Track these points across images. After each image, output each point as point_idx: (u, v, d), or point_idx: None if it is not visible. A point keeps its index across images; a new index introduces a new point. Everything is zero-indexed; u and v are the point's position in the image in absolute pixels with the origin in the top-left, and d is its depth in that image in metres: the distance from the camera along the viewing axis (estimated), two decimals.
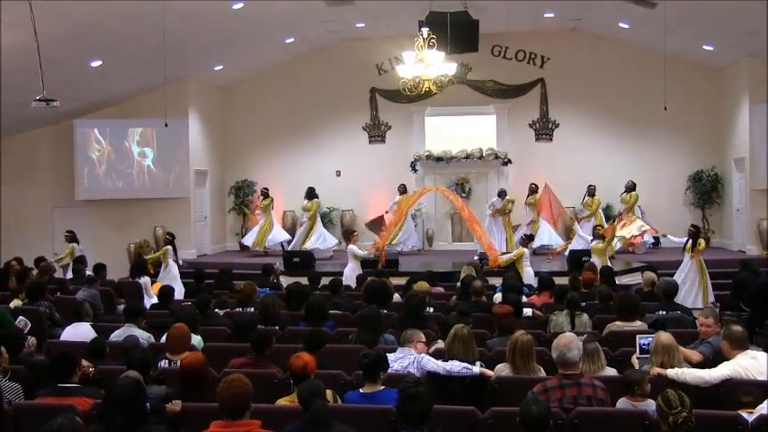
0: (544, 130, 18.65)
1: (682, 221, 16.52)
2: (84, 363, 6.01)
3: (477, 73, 18.35)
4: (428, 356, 6.06)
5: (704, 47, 15.92)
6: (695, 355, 6.21)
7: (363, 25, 16.95)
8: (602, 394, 5.25)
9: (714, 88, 17.66)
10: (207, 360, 5.72)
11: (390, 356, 5.85)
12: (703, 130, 17.78)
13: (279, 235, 17.54)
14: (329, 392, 5.26)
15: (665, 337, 5.89)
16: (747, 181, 16.15)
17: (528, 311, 8.60)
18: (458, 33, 14.40)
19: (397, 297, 9.45)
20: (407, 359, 6.00)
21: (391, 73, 17.38)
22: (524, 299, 9.37)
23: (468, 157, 18.10)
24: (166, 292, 9.87)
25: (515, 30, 17.93)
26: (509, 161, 18.04)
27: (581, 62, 18.16)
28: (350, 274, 12.61)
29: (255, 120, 19.26)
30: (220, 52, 16.54)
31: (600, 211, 16.67)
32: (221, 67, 17.46)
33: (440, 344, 6.68)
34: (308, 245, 16.78)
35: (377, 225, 17.34)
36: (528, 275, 12.05)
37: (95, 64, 14.20)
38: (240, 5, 13.34)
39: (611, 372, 5.98)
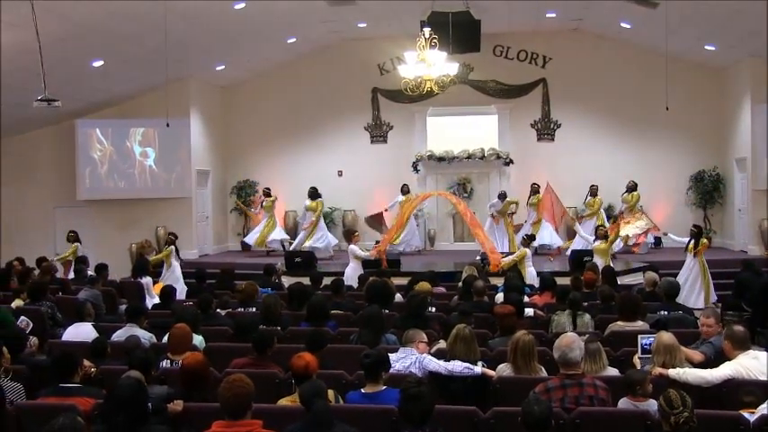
0: (546, 130, 18.64)
1: (683, 221, 16.53)
2: (86, 363, 6.02)
3: (478, 73, 18.35)
4: (430, 356, 6.05)
5: (706, 47, 15.91)
6: (697, 355, 6.20)
7: (365, 25, 16.95)
8: (603, 394, 5.25)
9: (716, 88, 17.65)
10: (208, 360, 5.72)
11: (392, 356, 5.86)
12: (705, 130, 17.77)
13: (279, 235, 17.55)
14: (331, 392, 5.26)
15: (666, 337, 5.89)
16: (749, 181, 16.14)
17: (530, 311, 8.59)
18: (459, 33, 14.40)
19: (398, 297, 9.46)
20: (409, 359, 6.00)
21: (393, 73, 17.39)
22: (526, 299, 9.37)
23: (469, 157, 18.09)
24: (168, 293, 9.88)
25: (517, 30, 17.93)
26: (511, 161, 18.04)
27: (583, 62, 18.15)
28: (351, 275, 12.61)
29: (257, 120, 19.27)
30: (222, 52, 16.54)
31: (601, 210, 16.66)
32: (223, 67, 17.46)
33: (441, 344, 6.68)
34: (308, 243, 16.79)
35: (376, 221, 17.36)
36: (530, 275, 12.05)
37: (97, 64, 14.22)
38: (242, 5, 13.34)
39: (612, 372, 5.97)
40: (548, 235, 16.54)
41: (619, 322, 7.52)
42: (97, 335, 7.42)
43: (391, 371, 5.59)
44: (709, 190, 17.60)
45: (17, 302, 9.50)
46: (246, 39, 15.88)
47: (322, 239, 17.09)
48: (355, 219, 18.51)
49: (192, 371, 5.42)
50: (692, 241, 12.54)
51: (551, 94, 18.48)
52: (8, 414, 5.15)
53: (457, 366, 5.82)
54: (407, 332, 6.29)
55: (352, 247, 13.32)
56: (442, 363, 5.90)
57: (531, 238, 13.62)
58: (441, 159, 18.18)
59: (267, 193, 17.65)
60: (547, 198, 16.56)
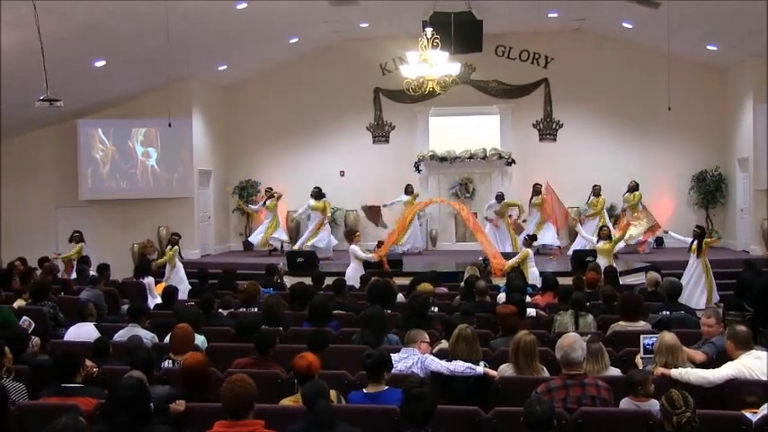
0: (548, 130, 18.64)
1: (685, 221, 16.54)
2: (88, 363, 6.01)
3: (480, 73, 18.35)
4: (432, 356, 6.05)
5: (708, 47, 15.90)
6: (699, 355, 6.20)
7: (367, 25, 16.96)
8: (605, 394, 5.24)
9: (718, 88, 17.64)
10: (208, 360, 5.73)
11: (394, 356, 5.85)
12: (707, 130, 17.76)
13: (280, 235, 17.56)
14: (333, 392, 5.26)
15: (669, 337, 5.88)
16: (751, 181, 16.12)
17: (532, 312, 8.59)
18: (461, 33, 14.38)
19: (400, 297, 9.46)
20: (411, 359, 5.99)
21: (395, 73, 17.40)
22: (528, 299, 9.37)
23: (471, 157, 18.09)
24: (170, 293, 9.89)
25: (519, 30, 17.93)
26: (513, 161, 18.03)
27: (585, 62, 18.15)
28: (353, 275, 12.61)
29: (259, 120, 19.28)
30: (224, 52, 16.55)
31: (604, 211, 16.64)
32: (225, 67, 17.47)
33: (443, 344, 6.68)
34: (311, 243, 16.79)
35: (372, 213, 17.34)
36: (533, 276, 12.04)
37: (99, 64, 14.22)
38: (244, 5, 13.35)
39: (614, 372, 5.97)
40: (550, 235, 16.54)
41: (621, 322, 7.51)
42: (99, 335, 7.42)
43: (393, 371, 5.59)
44: (711, 190, 17.59)
45: (19, 302, 9.51)
46: (248, 39, 15.88)
47: (324, 239, 17.11)
48: (357, 219, 18.52)
49: (193, 371, 5.43)
50: (695, 242, 12.52)
51: (553, 94, 18.48)
52: (10, 414, 5.16)
53: (459, 366, 5.82)
54: (409, 332, 6.28)
55: (353, 247, 13.32)
56: (444, 363, 5.90)
57: (533, 238, 13.61)
58: (443, 159, 18.17)
59: (270, 194, 17.67)
60: (547, 198, 16.56)
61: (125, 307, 9.39)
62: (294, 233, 18.37)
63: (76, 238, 14.29)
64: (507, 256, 13.23)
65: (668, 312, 8.09)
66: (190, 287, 12.16)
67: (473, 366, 5.82)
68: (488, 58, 17.66)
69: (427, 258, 16.51)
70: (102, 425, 4.53)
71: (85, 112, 17.24)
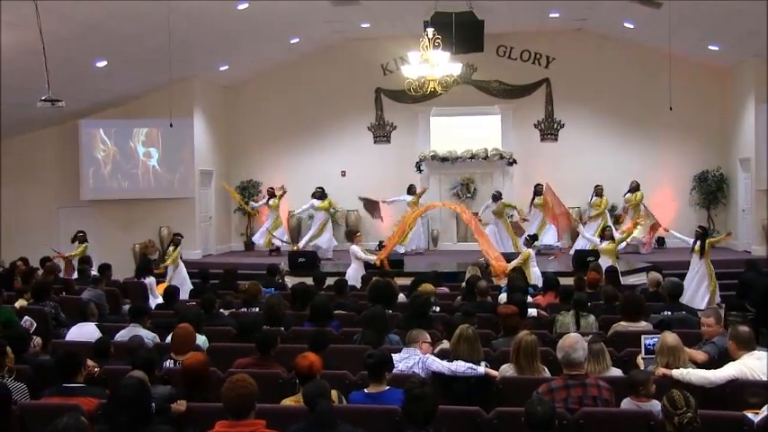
0: (549, 130, 18.63)
1: (687, 222, 16.52)
2: (90, 363, 6.03)
3: (482, 73, 18.34)
4: (433, 357, 6.05)
5: (709, 47, 15.89)
6: (700, 355, 6.19)
7: (368, 25, 16.96)
8: (607, 395, 5.24)
9: (719, 88, 17.63)
10: (209, 360, 5.73)
11: (395, 357, 5.85)
12: (708, 130, 17.75)
13: (281, 235, 17.56)
14: (334, 393, 5.26)
15: (671, 338, 5.87)
16: (753, 181, 16.10)
17: (533, 312, 8.59)
18: (463, 33, 14.39)
19: (402, 297, 9.46)
20: (412, 359, 5.99)
21: (396, 73, 17.38)
22: (529, 299, 9.36)
23: (473, 157, 18.08)
24: (171, 293, 9.90)
25: (520, 30, 17.92)
26: (514, 161, 18.02)
27: (586, 62, 18.14)
28: (353, 275, 12.61)
29: (260, 120, 19.28)
30: (225, 52, 16.56)
31: (606, 211, 16.63)
32: (226, 67, 17.47)
33: (445, 344, 6.68)
34: (313, 243, 16.81)
35: (370, 206, 17.32)
36: (535, 276, 12.03)
37: (101, 64, 14.23)
38: (245, 6, 13.35)
39: (616, 372, 5.97)
40: (551, 236, 16.53)
41: (622, 322, 7.51)
42: (100, 335, 7.43)
43: (394, 371, 5.59)
44: (712, 190, 17.57)
45: (21, 302, 9.52)
46: (250, 39, 15.89)
47: (326, 239, 17.12)
48: (358, 219, 18.52)
49: (193, 371, 5.43)
50: (698, 242, 12.47)
51: (555, 94, 18.47)
52: (12, 414, 5.16)
53: (460, 367, 5.82)
54: (411, 332, 6.29)
55: (353, 247, 13.32)
56: (445, 363, 5.90)
57: (534, 238, 13.58)
58: (444, 159, 18.16)
59: (271, 193, 17.67)
60: (547, 199, 16.55)
61: (126, 307, 9.38)
62: (295, 233, 18.37)
63: (80, 237, 14.29)
64: (508, 255, 13.21)
65: (669, 313, 8.10)
66: (192, 287, 12.18)
67: (474, 367, 5.82)
68: (490, 58, 17.66)
69: (428, 258, 16.50)
70: (104, 425, 4.53)
71: (87, 113, 17.25)
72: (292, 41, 17.28)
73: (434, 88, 13.11)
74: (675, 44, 14.45)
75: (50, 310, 9.11)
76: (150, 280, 11.98)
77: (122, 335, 7.55)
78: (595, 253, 13.39)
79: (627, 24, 16.48)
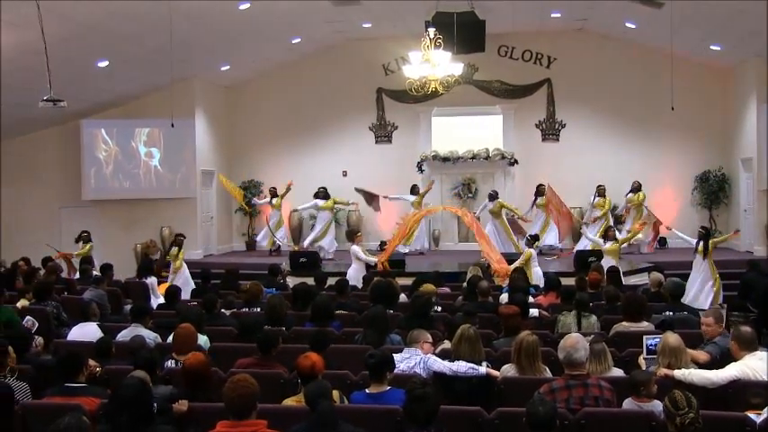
0: (550, 130, 18.62)
1: (689, 222, 16.52)
2: (91, 362, 6.03)
3: (483, 73, 18.33)
4: (434, 357, 6.05)
5: (711, 47, 15.87)
6: (702, 355, 6.19)
7: (370, 25, 16.96)
8: (608, 395, 5.24)
9: (721, 88, 17.61)
10: (210, 360, 5.74)
11: (397, 357, 5.85)
12: (710, 130, 17.73)
13: (282, 236, 17.57)
14: (335, 393, 5.26)
15: (672, 338, 5.87)
16: (755, 181, 16.07)
17: (534, 312, 8.59)
18: (464, 33, 14.39)
19: (403, 297, 9.46)
20: (414, 359, 5.99)
21: (398, 73, 17.38)
22: (531, 299, 9.35)
23: (474, 157, 18.07)
24: (173, 292, 9.89)
25: (522, 30, 17.91)
26: (515, 161, 18.01)
27: (587, 62, 18.13)
28: (354, 275, 12.61)
29: (262, 120, 19.29)
30: (227, 52, 16.56)
31: (608, 211, 16.63)
32: (227, 67, 17.48)
33: (446, 344, 6.67)
34: (318, 244, 16.82)
35: (369, 197, 17.30)
36: (536, 276, 12.04)
37: (102, 64, 14.23)
38: (246, 5, 13.35)
39: (617, 372, 5.96)
40: (553, 236, 16.51)
41: (624, 323, 7.50)
42: (102, 335, 7.44)
43: (396, 371, 5.59)
44: (714, 190, 17.54)
45: (23, 302, 9.54)
46: (251, 39, 15.89)
47: (328, 239, 17.13)
48: (359, 219, 18.51)
49: (194, 371, 5.43)
50: (701, 243, 12.43)
51: (556, 95, 18.45)
52: (14, 414, 5.17)
53: (461, 367, 5.82)
54: (412, 332, 6.29)
55: (354, 247, 13.32)
56: (446, 363, 5.90)
57: (536, 238, 13.57)
58: (445, 159, 18.16)
59: (274, 193, 17.67)
60: (550, 200, 16.52)
61: (128, 307, 9.39)
62: (297, 233, 18.38)
63: (85, 237, 14.27)
64: (508, 255, 13.20)
65: (671, 313, 8.10)
66: (195, 287, 12.19)
67: (476, 367, 5.82)
68: (491, 58, 17.65)
69: (430, 258, 16.50)
70: (106, 424, 4.54)
71: (88, 113, 17.26)
72: (293, 41, 17.28)
73: (436, 88, 13.09)
74: (677, 44, 14.45)
75: (52, 309, 9.12)
76: (152, 280, 11.99)
77: (124, 335, 7.56)
78: (597, 253, 13.38)
79: (628, 24, 16.47)
